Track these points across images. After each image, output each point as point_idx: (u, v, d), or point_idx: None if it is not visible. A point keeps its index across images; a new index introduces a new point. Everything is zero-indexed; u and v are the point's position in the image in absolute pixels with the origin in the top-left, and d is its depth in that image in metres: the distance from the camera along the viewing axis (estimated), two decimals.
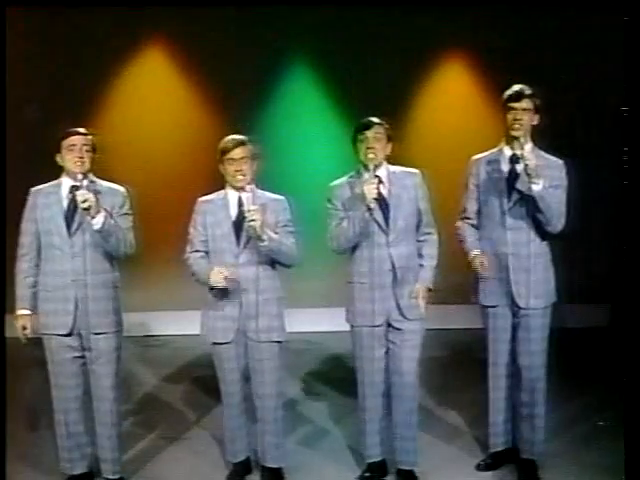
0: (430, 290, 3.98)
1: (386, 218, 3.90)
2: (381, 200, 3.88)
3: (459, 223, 4.14)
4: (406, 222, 3.94)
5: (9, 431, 4.05)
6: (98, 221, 3.71)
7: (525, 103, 3.92)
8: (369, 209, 3.81)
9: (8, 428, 4.03)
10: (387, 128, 3.95)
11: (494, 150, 4.07)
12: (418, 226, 3.98)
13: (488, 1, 6.80)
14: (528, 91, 3.96)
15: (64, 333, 3.83)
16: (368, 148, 3.87)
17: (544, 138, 4.04)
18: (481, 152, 4.12)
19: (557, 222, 3.92)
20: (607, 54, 5.72)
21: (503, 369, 4.08)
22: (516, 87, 3.98)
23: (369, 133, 3.88)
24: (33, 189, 3.92)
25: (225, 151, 3.87)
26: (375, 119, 3.94)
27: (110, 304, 3.89)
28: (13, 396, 4.32)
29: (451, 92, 7.25)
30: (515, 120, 3.91)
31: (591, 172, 6.25)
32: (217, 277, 3.76)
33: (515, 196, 3.94)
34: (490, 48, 6.86)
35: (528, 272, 3.95)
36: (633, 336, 3.55)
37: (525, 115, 3.92)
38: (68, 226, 3.82)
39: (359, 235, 3.89)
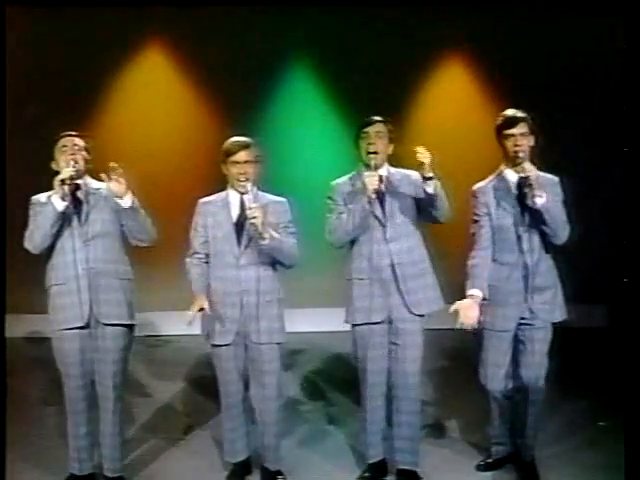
0: None
1: (384, 212, 3.92)
2: (380, 195, 3.90)
3: (472, 260, 3.94)
4: (404, 216, 3.94)
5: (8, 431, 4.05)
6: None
7: (521, 127, 3.86)
8: (369, 201, 3.81)
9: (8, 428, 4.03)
10: (390, 128, 3.96)
11: (492, 177, 3.98)
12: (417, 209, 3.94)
13: (488, 2, 6.80)
14: (522, 115, 3.90)
15: (79, 326, 3.82)
16: (369, 144, 3.89)
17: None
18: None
19: (562, 233, 3.88)
20: (607, 55, 5.71)
21: (502, 375, 4.02)
22: (509, 112, 3.92)
23: (371, 129, 3.91)
24: (34, 198, 3.89)
25: (229, 153, 3.87)
26: (378, 117, 3.96)
27: (122, 295, 3.91)
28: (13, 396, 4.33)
29: (451, 93, 7.25)
30: (516, 146, 3.84)
31: (590, 171, 6.27)
32: (195, 307, 3.81)
33: (527, 219, 3.87)
34: (490, 50, 6.86)
35: (544, 290, 3.90)
36: (632, 336, 3.56)
37: (524, 139, 3.85)
38: (78, 218, 3.83)
39: (358, 227, 3.89)
